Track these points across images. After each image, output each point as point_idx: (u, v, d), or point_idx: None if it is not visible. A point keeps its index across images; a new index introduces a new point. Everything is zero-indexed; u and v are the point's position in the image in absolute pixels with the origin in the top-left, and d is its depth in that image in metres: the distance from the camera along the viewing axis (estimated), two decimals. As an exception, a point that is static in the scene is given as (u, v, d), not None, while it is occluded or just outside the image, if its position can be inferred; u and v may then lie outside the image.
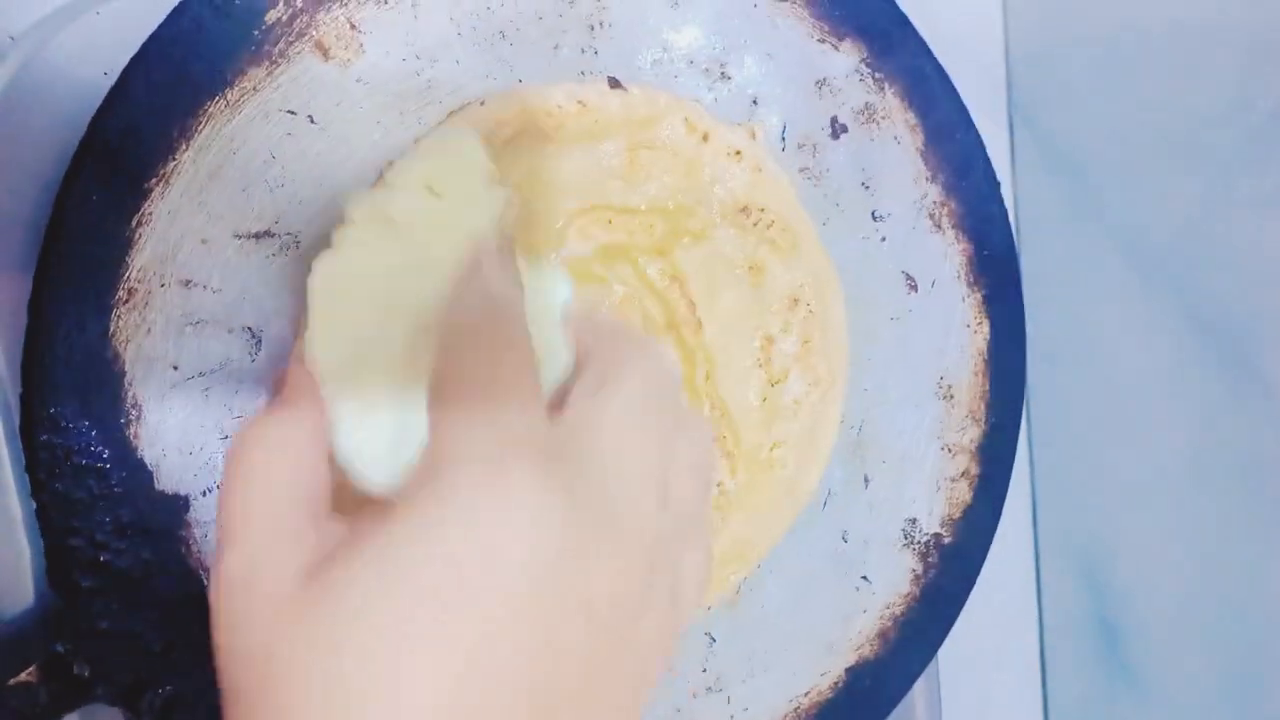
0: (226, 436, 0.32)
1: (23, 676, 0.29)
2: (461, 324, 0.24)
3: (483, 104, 0.34)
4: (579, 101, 0.35)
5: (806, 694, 0.40)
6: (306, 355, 0.25)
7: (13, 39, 0.31)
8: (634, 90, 0.36)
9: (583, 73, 0.35)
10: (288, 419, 0.24)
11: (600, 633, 0.22)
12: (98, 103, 0.30)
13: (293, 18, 0.31)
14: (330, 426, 0.24)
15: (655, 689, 0.24)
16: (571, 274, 0.35)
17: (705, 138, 0.37)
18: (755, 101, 0.37)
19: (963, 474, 0.42)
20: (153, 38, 0.29)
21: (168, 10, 0.30)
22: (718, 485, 0.39)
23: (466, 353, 0.24)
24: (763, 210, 0.38)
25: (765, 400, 0.39)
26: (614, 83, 0.35)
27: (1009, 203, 0.46)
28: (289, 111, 0.31)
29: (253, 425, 0.23)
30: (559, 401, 0.25)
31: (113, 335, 0.30)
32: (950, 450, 0.42)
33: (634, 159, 0.37)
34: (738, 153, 0.38)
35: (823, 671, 0.41)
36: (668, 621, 0.24)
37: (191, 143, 0.30)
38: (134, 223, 0.30)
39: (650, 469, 0.24)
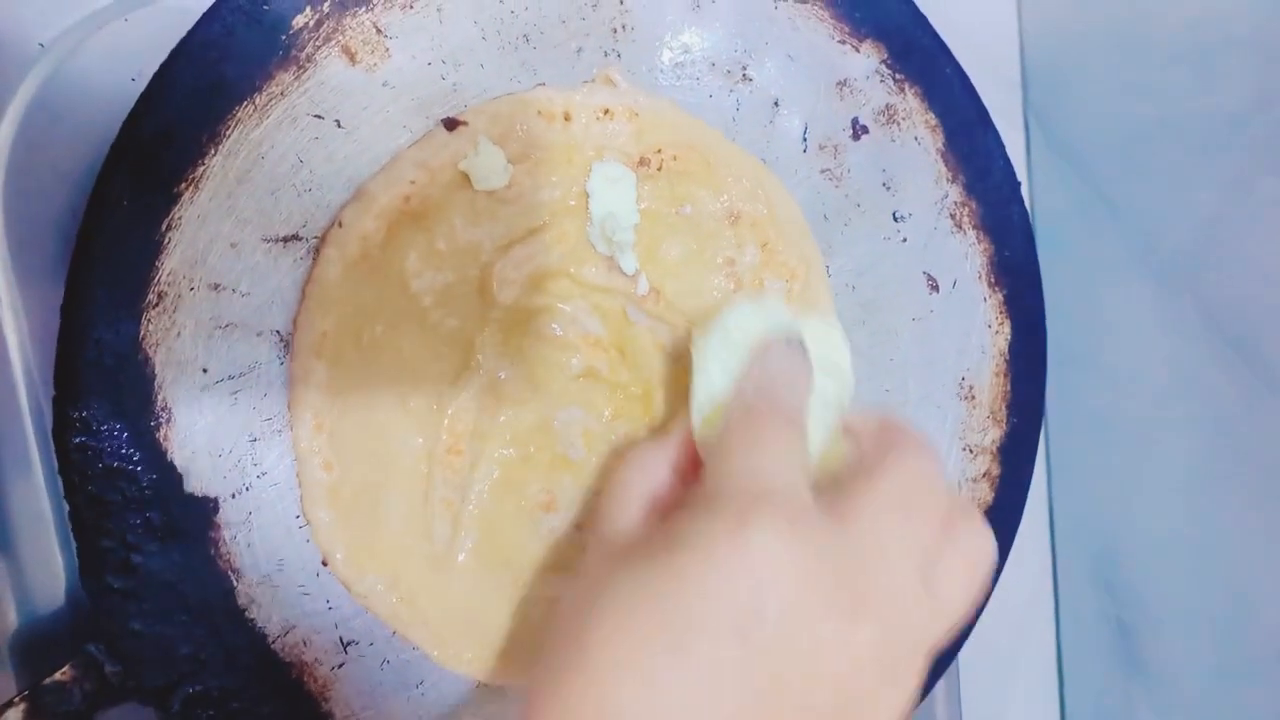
0: (255, 439, 0.32)
1: (56, 676, 0.30)
2: (745, 393, 0.29)
3: (340, 225, 0.32)
4: (422, 167, 0.33)
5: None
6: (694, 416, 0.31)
7: (42, 46, 0.32)
8: (469, 116, 0.34)
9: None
10: (653, 446, 0.31)
11: (821, 702, 0.23)
12: (126, 108, 0.30)
13: (320, 23, 0.31)
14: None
15: None
16: (514, 317, 0.34)
17: (567, 117, 0.35)
18: (777, 103, 0.38)
19: (984, 474, 0.42)
20: (183, 43, 0.30)
21: (194, 17, 0.30)
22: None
23: (745, 417, 0.28)
24: (659, 150, 0.36)
25: None
26: (450, 123, 0.33)
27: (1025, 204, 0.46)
28: (316, 116, 0.31)
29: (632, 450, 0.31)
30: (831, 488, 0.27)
31: (143, 339, 0.30)
32: (971, 451, 0.42)
33: (515, 181, 0.34)
34: (607, 111, 0.35)
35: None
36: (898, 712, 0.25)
37: (220, 147, 0.30)
38: (164, 227, 0.30)
39: (913, 555, 0.25)
